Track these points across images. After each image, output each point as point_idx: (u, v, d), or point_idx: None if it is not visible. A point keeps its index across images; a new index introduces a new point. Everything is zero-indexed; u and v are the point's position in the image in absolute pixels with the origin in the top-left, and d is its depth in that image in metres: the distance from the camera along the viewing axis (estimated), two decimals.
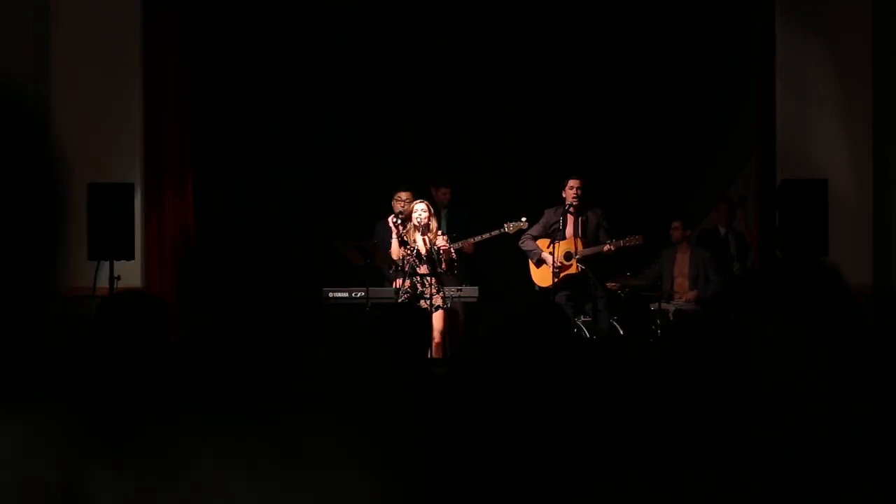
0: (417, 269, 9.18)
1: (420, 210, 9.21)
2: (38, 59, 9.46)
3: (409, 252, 9.20)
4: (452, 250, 9.33)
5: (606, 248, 9.55)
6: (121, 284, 8.59)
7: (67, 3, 9.58)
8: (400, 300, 9.11)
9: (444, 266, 9.21)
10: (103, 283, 8.61)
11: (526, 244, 9.77)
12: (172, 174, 9.86)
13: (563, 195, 9.65)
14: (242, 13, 10.76)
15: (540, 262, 9.75)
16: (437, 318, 9.03)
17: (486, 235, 9.83)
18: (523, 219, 9.75)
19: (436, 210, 9.86)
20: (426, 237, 9.22)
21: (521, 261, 10.04)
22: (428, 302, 9.07)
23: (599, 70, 11.24)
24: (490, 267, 10.53)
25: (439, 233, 9.36)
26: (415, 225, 9.21)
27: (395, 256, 9.31)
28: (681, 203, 11.15)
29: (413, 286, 9.17)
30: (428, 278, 9.13)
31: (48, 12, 9.51)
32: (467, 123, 11.49)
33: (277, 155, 11.28)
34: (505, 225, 9.77)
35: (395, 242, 9.28)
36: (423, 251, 9.21)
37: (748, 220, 10.62)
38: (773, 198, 8.99)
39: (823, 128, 9.42)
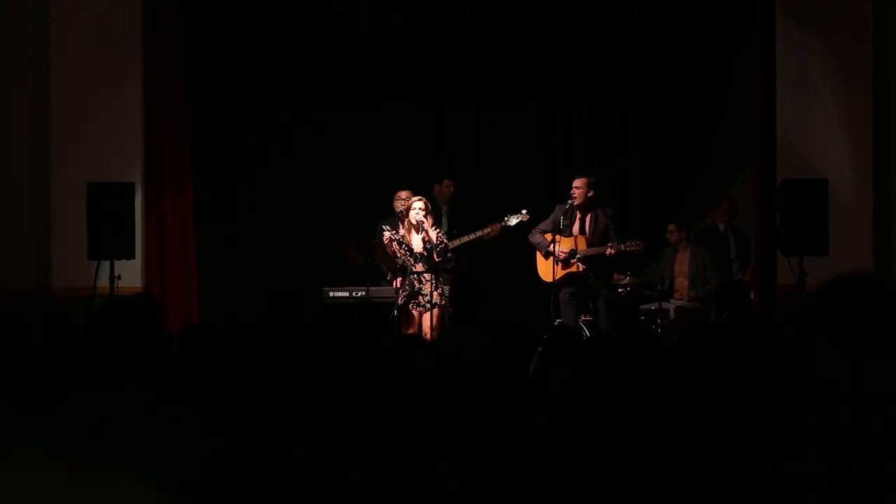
0: (413, 267, 9.18)
1: (417, 208, 9.21)
2: (38, 59, 9.46)
3: (404, 251, 9.21)
4: (447, 242, 9.28)
5: (608, 251, 9.53)
6: (121, 284, 8.60)
7: (67, 2, 9.57)
8: (398, 299, 9.12)
9: (437, 257, 9.17)
10: (104, 282, 8.61)
11: (535, 237, 9.77)
12: (172, 174, 9.85)
13: None
14: (243, 13, 10.77)
15: (548, 254, 9.74)
16: (427, 317, 9.02)
17: (487, 229, 9.81)
18: (524, 211, 9.72)
19: (436, 208, 9.84)
20: (422, 235, 9.22)
21: (523, 259, 10.03)
22: (424, 299, 9.07)
23: (600, 70, 11.24)
24: (492, 266, 10.52)
25: (436, 229, 9.34)
26: (411, 222, 9.21)
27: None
28: (681, 203, 11.14)
29: (410, 284, 9.17)
30: (424, 276, 9.12)
31: (48, 12, 9.50)
32: (468, 123, 11.49)
33: (277, 155, 11.27)
34: (506, 217, 9.74)
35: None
36: (417, 249, 9.21)
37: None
38: (773, 198, 8.97)
39: (823, 128, 9.41)
